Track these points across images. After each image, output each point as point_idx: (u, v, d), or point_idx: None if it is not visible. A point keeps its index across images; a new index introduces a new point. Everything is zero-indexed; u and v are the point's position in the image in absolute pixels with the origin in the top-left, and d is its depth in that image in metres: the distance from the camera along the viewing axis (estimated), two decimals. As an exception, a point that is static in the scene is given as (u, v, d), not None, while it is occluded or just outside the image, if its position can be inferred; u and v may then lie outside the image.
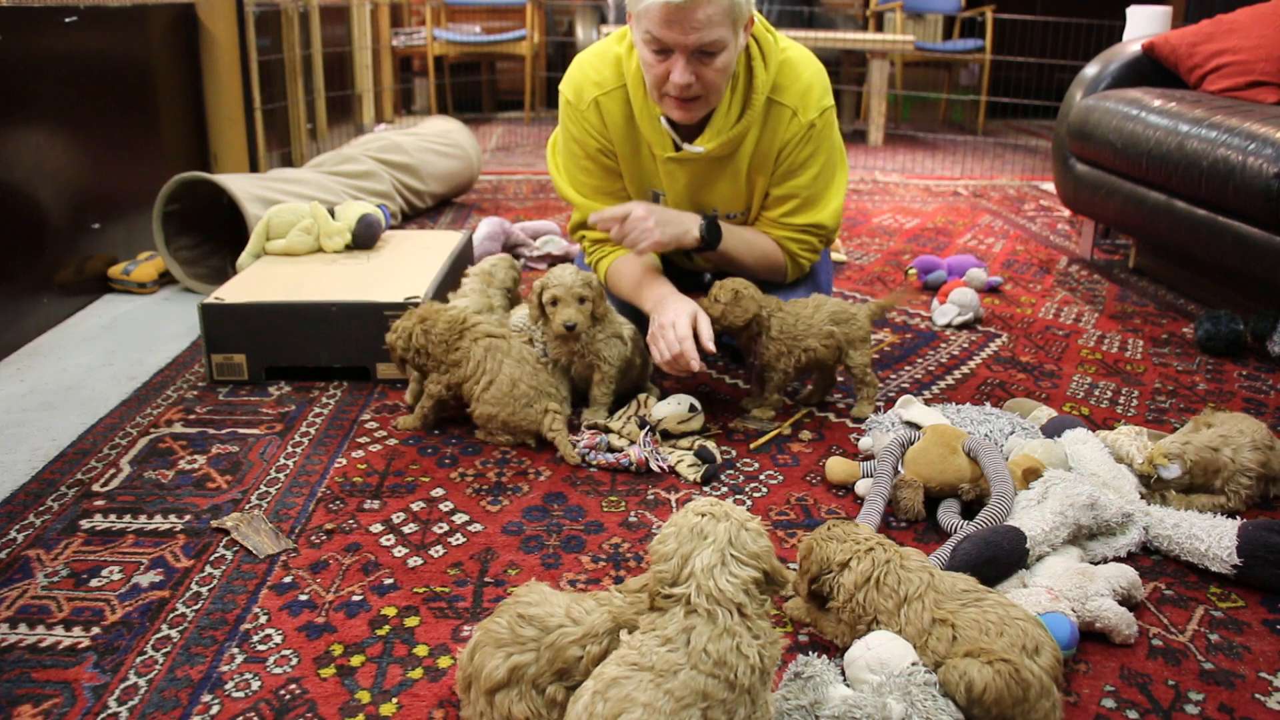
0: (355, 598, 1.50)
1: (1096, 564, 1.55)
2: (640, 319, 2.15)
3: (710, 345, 1.96)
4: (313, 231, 2.68)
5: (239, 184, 2.90)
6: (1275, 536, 1.52)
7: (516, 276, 2.52)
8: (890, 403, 2.17)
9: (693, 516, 1.11)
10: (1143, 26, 3.84)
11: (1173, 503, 1.73)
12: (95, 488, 1.82)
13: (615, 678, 1.04)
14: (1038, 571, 1.50)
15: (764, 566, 1.08)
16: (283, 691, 1.30)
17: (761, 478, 1.89)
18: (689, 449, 1.93)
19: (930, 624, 1.26)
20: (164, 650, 1.38)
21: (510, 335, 2.05)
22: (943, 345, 2.60)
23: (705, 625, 1.04)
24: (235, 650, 1.38)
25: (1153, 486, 1.75)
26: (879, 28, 6.79)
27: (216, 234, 3.08)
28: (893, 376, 2.37)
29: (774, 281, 2.28)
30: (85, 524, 1.70)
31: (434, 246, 2.75)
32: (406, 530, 1.69)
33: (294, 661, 1.36)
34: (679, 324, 1.97)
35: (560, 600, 1.21)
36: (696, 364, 1.95)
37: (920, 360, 2.48)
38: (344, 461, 1.92)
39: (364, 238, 2.70)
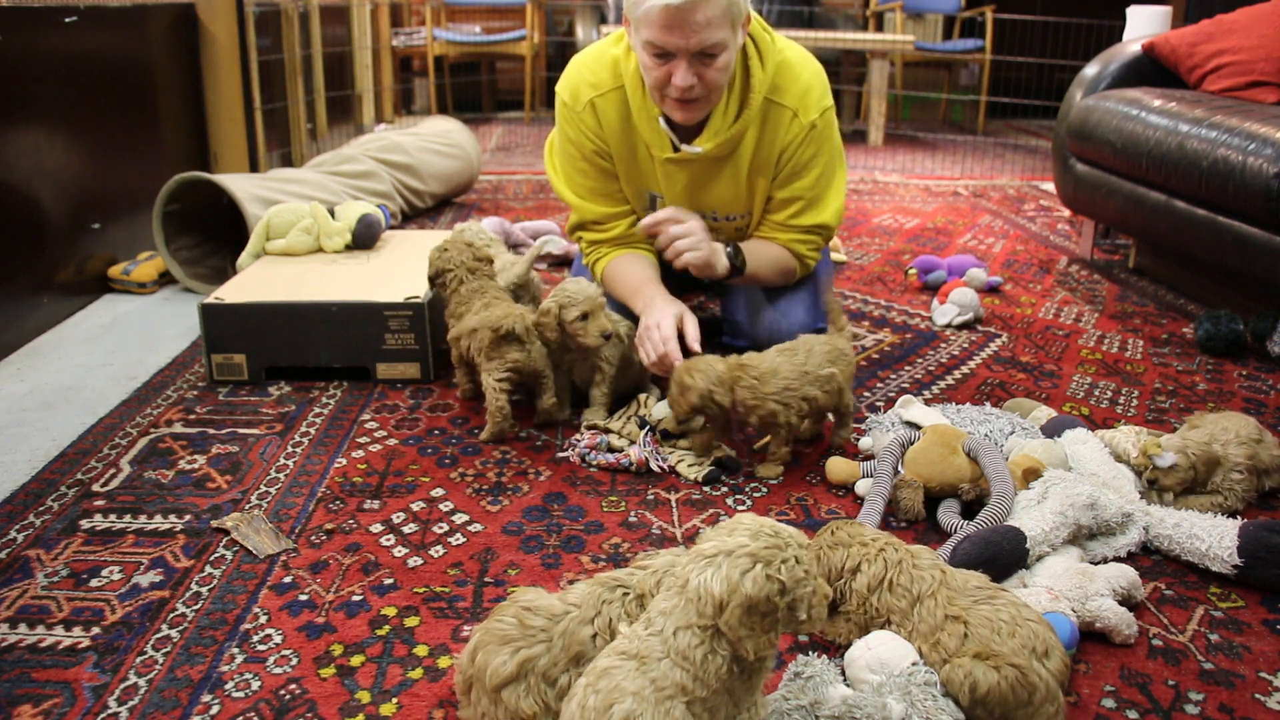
0: (355, 598, 1.50)
1: (1096, 564, 1.55)
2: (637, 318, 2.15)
3: (696, 347, 1.97)
4: (313, 231, 2.68)
5: (239, 184, 2.90)
6: (1275, 537, 1.52)
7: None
8: (890, 403, 2.17)
9: (750, 518, 1.06)
10: (1143, 26, 3.84)
11: (1173, 504, 1.73)
12: (95, 488, 1.82)
13: (606, 668, 1.03)
14: (1038, 571, 1.50)
15: (751, 594, 1.01)
16: (283, 691, 1.30)
17: (761, 477, 1.89)
18: (689, 449, 1.93)
19: (943, 620, 1.26)
20: (164, 650, 1.38)
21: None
22: (943, 345, 2.59)
23: (682, 612, 1.03)
24: (235, 650, 1.38)
25: (1148, 477, 1.74)
26: (879, 28, 6.79)
27: (216, 234, 3.08)
28: (893, 376, 2.37)
29: (783, 285, 2.28)
30: (85, 524, 1.70)
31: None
32: (406, 530, 1.69)
33: (294, 661, 1.36)
34: (663, 325, 1.98)
35: (554, 597, 1.22)
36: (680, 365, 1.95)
37: (920, 360, 2.48)
38: (344, 461, 1.92)
39: (364, 238, 2.70)
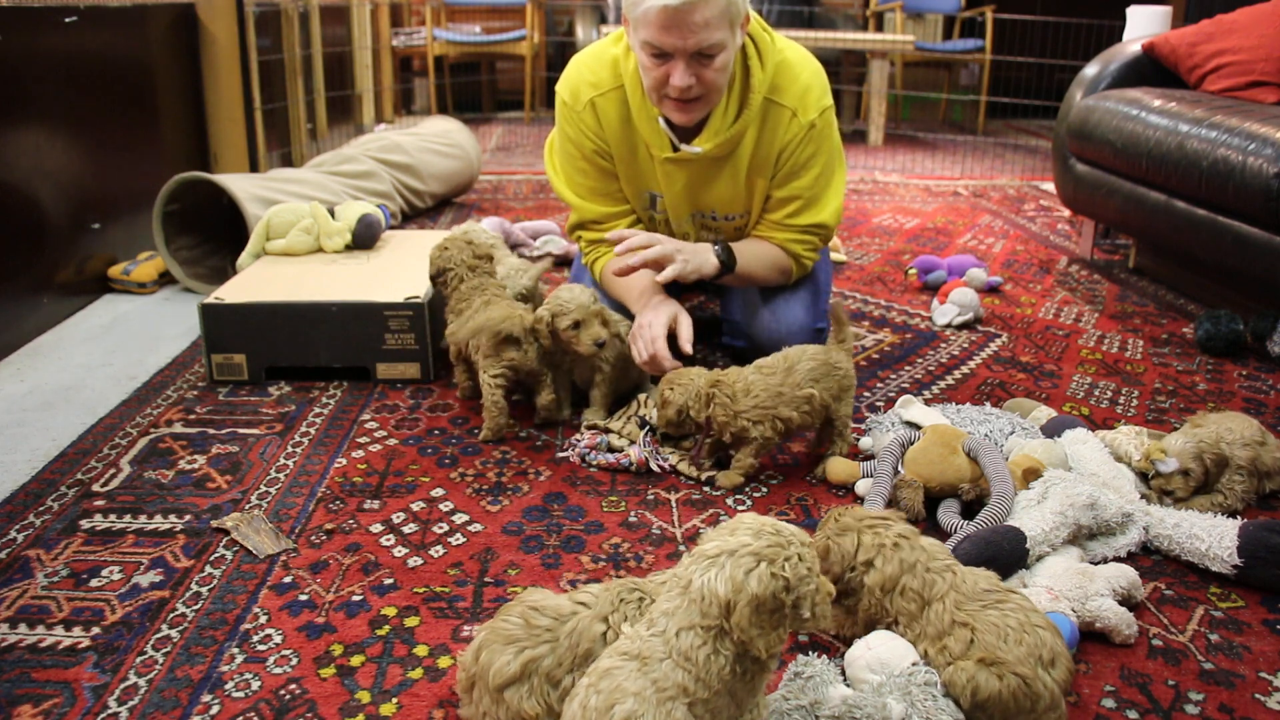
0: (355, 598, 1.50)
1: (1096, 564, 1.55)
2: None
3: (687, 347, 1.97)
4: (313, 231, 2.68)
5: (239, 184, 2.90)
6: (1276, 537, 1.52)
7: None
8: (890, 403, 2.17)
9: (751, 517, 1.06)
10: (1143, 26, 3.84)
11: (1182, 498, 1.73)
12: (95, 488, 1.82)
13: (608, 669, 1.03)
14: (1038, 571, 1.50)
15: (758, 592, 1.00)
16: (283, 691, 1.30)
17: (761, 477, 1.89)
18: (688, 449, 1.93)
19: (950, 625, 1.25)
20: (164, 650, 1.38)
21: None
22: (943, 345, 2.59)
23: (685, 613, 1.03)
24: (235, 650, 1.38)
25: (1153, 483, 1.74)
26: (879, 28, 6.79)
27: (216, 234, 3.08)
28: (893, 376, 2.37)
29: (780, 285, 2.28)
30: (85, 524, 1.70)
31: (434, 246, 2.75)
32: (406, 530, 1.69)
33: (294, 661, 1.36)
34: (654, 325, 1.99)
35: (563, 596, 1.22)
36: (669, 365, 1.95)
37: (920, 360, 2.48)
38: (344, 461, 1.92)
39: (364, 238, 2.70)
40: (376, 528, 1.70)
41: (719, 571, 1.02)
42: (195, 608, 1.47)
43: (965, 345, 2.60)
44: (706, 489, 1.84)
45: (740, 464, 1.84)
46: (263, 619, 1.45)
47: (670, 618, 1.04)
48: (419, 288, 2.31)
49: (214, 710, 1.27)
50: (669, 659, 1.02)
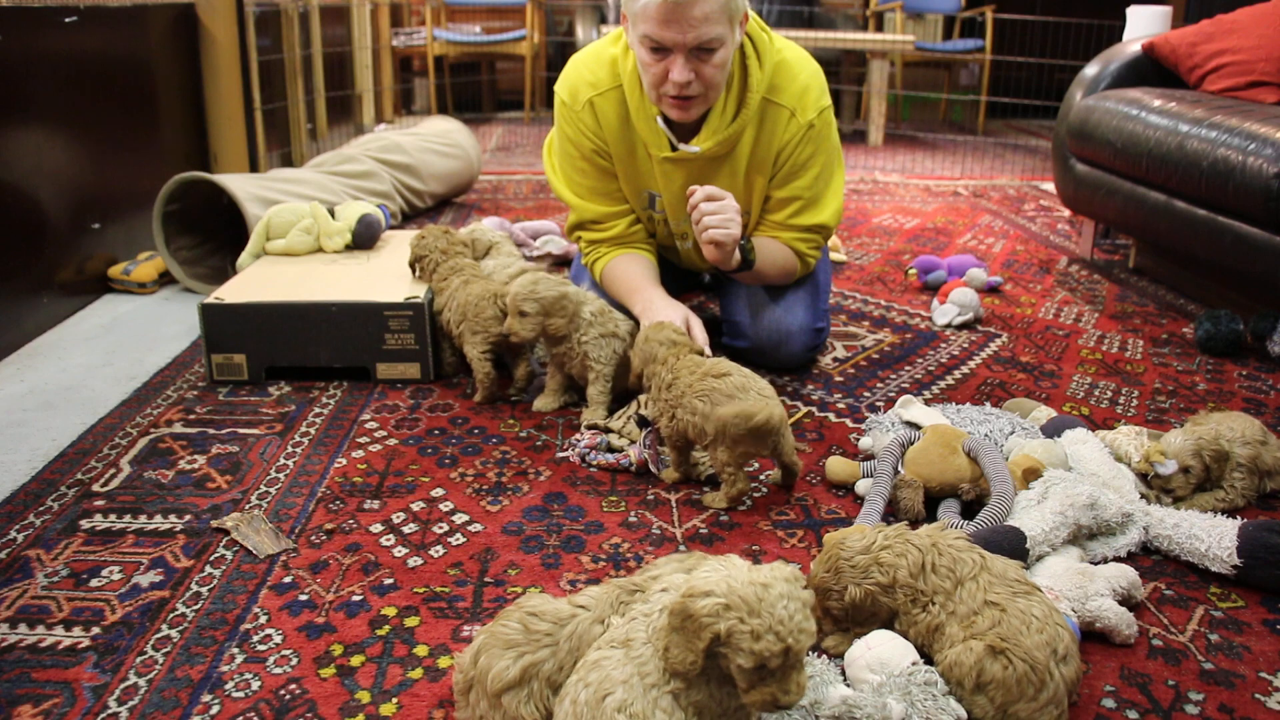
0: (355, 598, 1.50)
1: (1096, 564, 1.55)
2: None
3: (706, 350, 1.97)
4: (313, 231, 2.68)
5: (239, 184, 2.90)
6: (1275, 537, 1.52)
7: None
8: (890, 403, 2.17)
9: (782, 570, 1.03)
10: (1143, 26, 3.84)
11: (1182, 496, 1.73)
12: (95, 488, 1.82)
13: (595, 660, 1.03)
14: (1038, 571, 1.50)
15: (691, 611, 0.99)
16: (283, 691, 1.30)
17: (762, 478, 1.89)
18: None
19: (982, 605, 1.27)
20: (164, 650, 1.38)
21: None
22: (943, 345, 2.59)
23: (674, 595, 1.04)
24: (235, 650, 1.38)
25: (1152, 484, 1.75)
26: (879, 28, 6.79)
27: (216, 234, 3.08)
28: (893, 376, 2.37)
29: (786, 285, 2.28)
30: (85, 524, 1.70)
31: (434, 246, 2.74)
32: (406, 530, 1.69)
33: (294, 661, 1.36)
34: None
35: (562, 600, 1.21)
36: None
37: (920, 360, 2.48)
38: (344, 461, 1.92)
39: (364, 238, 2.70)
40: (376, 528, 1.70)
41: (709, 575, 1.03)
42: (195, 608, 1.47)
43: (965, 345, 2.60)
44: (707, 489, 1.84)
45: (673, 465, 1.85)
46: (263, 619, 1.45)
47: (665, 594, 1.05)
48: (419, 288, 2.31)
49: (214, 710, 1.27)
50: (649, 643, 1.02)
